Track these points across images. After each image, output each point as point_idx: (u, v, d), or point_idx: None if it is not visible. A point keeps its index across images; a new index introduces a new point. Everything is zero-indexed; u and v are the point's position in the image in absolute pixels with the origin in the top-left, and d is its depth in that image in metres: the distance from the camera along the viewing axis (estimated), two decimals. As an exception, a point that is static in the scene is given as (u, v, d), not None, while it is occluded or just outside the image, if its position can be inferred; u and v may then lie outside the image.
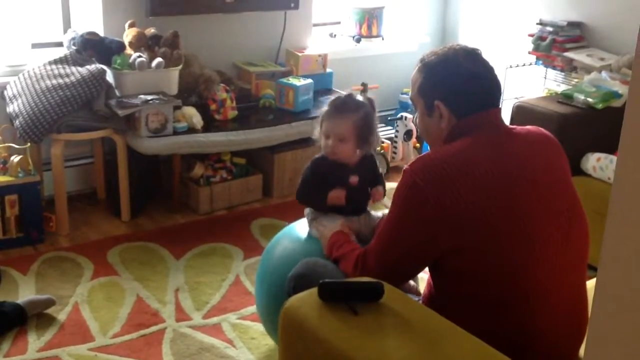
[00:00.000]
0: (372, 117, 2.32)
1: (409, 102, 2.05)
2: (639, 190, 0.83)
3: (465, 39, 4.91)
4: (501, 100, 1.88)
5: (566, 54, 4.01)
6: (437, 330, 1.60)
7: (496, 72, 1.88)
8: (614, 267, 0.87)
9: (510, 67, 4.27)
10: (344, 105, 2.30)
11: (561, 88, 3.94)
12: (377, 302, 1.65)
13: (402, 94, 4.66)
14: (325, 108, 2.34)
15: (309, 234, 2.31)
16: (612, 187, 0.87)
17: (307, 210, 2.37)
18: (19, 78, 3.43)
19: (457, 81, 1.82)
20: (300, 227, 2.39)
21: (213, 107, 3.70)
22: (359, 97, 2.34)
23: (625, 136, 0.82)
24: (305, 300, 1.68)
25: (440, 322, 1.62)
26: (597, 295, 0.91)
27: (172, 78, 3.57)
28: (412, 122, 4.20)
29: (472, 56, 1.85)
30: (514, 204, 1.72)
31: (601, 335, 0.91)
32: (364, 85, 4.46)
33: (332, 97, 2.38)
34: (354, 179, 2.31)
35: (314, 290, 1.67)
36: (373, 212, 2.37)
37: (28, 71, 3.44)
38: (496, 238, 1.71)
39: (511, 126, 1.89)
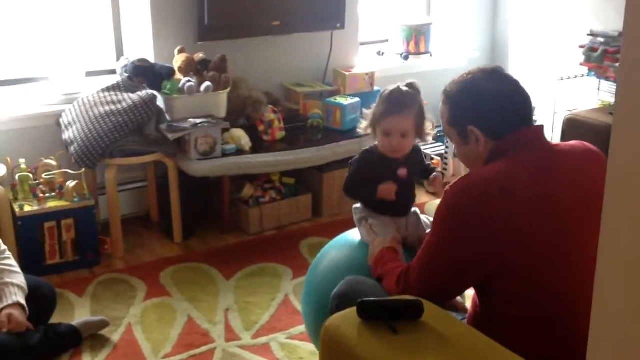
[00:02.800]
0: (423, 106, 2.31)
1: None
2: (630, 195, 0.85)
3: (515, 52, 4.86)
4: (534, 114, 1.86)
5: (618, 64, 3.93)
6: (479, 349, 1.57)
7: (524, 86, 1.86)
8: (611, 272, 0.89)
9: (562, 79, 4.21)
10: (402, 101, 2.25)
11: (615, 99, 3.86)
12: (417, 321, 1.63)
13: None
14: (377, 104, 2.28)
15: (356, 244, 2.28)
16: (604, 192, 0.88)
17: (355, 206, 2.35)
18: (73, 106, 3.54)
19: (483, 103, 1.81)
20: (345, 240, 2.36)
21: (261, 128, 3.74)
22: (405, 88, 2.28)
23: (615, 138, 0.87)
24: (345, 318, 1.68)
25: (482, 340, 1.60)
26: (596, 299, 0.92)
27: (220, 101, 3.64)
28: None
29: (492, 75, 1.84)
30: (558, 223, 1.69)
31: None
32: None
33: (382, 92, 2.33)
34: (402, 172, 2.28)
35: (353, 309, 1.67)
36: (422, 216, 2.35)
37: (82, 99, 3.56)
38: (541, 259, 1.68)
39: (554, 143, 1.86)
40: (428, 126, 2.31)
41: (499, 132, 1.78)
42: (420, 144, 2.43)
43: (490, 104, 1.80)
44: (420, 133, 2.29)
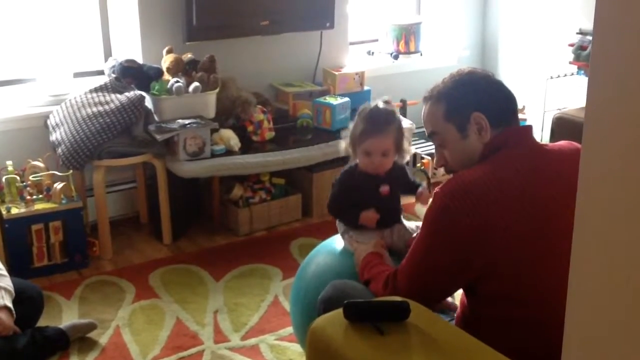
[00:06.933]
0: (402, 124, 2.31)
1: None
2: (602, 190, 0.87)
3: (505, 51, 4.85)
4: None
5: (608, 62, 3.93)
6: (466, 350, 1.56)
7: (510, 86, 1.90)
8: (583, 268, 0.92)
9: (551, 78, 4.20)
10: (380, 120, 2.24)
11: (604, 97, 3.85)
12: (404, 322, 1.62)
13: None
14: (356, 124, 2.27)
15: (344, 248, 2.28)
16: (577, 188, 0.89)
17: (339, 221, 2.35)
18: (61, 107, 3.52)
19: (484, 89, 1.83)
20: (333, 244, 2.36)
21: (250, 128, 3.73)
22: (381, 105, 2.28)
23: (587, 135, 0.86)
24: (331, 320, 1.66)
25: (468, 341, 1.59)
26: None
27: (209, 102, 3.62)
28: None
29: (479, 71, 1.88)
30: (548, 224, 1.68)
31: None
32: (403, 101, 4.45)
33: (360, 110, 2.33)
34: (384, 189, 2.28)
35: (339, 311, 1.66)
36: (407, 223, 2.34)
37: (70, 100, 3.53)
38: (529, 261, 1.67)
39: (543, 143, 1.86)
40: (406, 144, 2.30)
41: (503, 117, 1.79)
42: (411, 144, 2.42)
43: (491, 89, 1.83)
44: (399, 150, 2.28)
